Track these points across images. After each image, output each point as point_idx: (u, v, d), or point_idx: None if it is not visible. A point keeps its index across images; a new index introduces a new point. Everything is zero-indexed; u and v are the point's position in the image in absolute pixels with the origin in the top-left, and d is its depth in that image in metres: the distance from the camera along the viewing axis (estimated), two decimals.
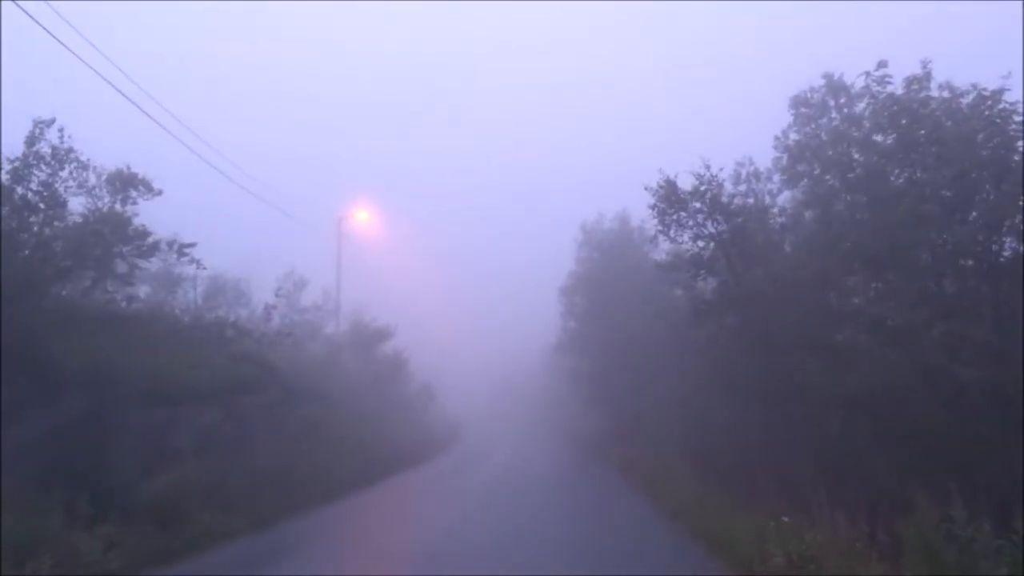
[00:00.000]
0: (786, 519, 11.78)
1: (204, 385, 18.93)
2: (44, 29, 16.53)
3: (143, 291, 35.35)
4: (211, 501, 15.72)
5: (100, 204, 20.32)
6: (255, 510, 16.69)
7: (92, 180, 20.53)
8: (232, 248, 44.59)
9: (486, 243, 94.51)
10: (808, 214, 21.16)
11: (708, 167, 19.40)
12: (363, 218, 47.62)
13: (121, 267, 20.51)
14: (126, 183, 20.67)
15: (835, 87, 25.18)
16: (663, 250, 20.22)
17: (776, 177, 26.30)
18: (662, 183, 19.67)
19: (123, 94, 20.03)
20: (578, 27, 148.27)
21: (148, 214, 20.67)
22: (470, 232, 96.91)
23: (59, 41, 17.10)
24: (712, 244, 19.79)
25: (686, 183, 19.51)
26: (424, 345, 59.75)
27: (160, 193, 21.12)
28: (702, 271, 19.99)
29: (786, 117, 26.42)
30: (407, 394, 45.25)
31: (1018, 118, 16.31)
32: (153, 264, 36.75)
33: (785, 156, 26.20)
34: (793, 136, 26.13)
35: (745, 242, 19.35)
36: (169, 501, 14.42)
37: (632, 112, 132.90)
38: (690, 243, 20.19)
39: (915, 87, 18.34)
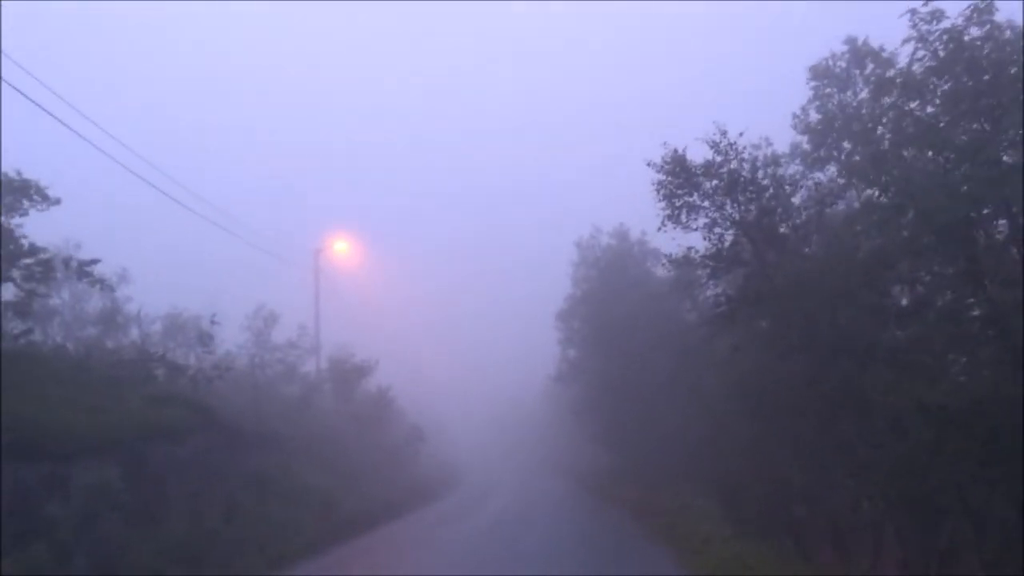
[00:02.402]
0: None
1: (104, 433, 14.98)
2: None
3: (89, 332, 31.92)
4: None
5: None
6: None
7: None
8: (198, 288, 41.31)
9: (478, 272, 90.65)
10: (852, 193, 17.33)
11: (724, 134, 15.65)
12: (341, 249, 43.93)
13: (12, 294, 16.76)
14: (16, 192, 16.93)
15: (860, 53, 21.61)
16: (674, 242, 16.22)
17: (795, 164, 22.60)
18: (668, 158, 15.89)
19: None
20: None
21: (94, 250, 17.33)
22: (461, 262, 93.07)
23: None
24: (733, 229, 15.95)
25: (697, 155, 15.79)
26: (415, 383, 55.79)
27: (58, 202, 17.43)
28: (722, 264, 16.10)
29: (804, 93, 22.92)
30: (393, 437, 41.05)
31: None
32: (94, 302, 33.68)
33: (807, 138, 22.58)
34: (814, 115, 22.56)
35: (776, 224, 15.50)
36: None
37: (628, 116, 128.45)
38: (705, 231, 16.33)
39: (976, 18, 14.65)
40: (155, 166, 21.93)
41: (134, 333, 31.94)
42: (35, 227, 18.81)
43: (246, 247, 35.57)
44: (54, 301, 31.57)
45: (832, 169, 22.00)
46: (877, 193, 15.80)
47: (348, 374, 38.01)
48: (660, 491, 25.16)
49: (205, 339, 20.45)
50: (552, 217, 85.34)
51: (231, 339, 38.86)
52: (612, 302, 36.31)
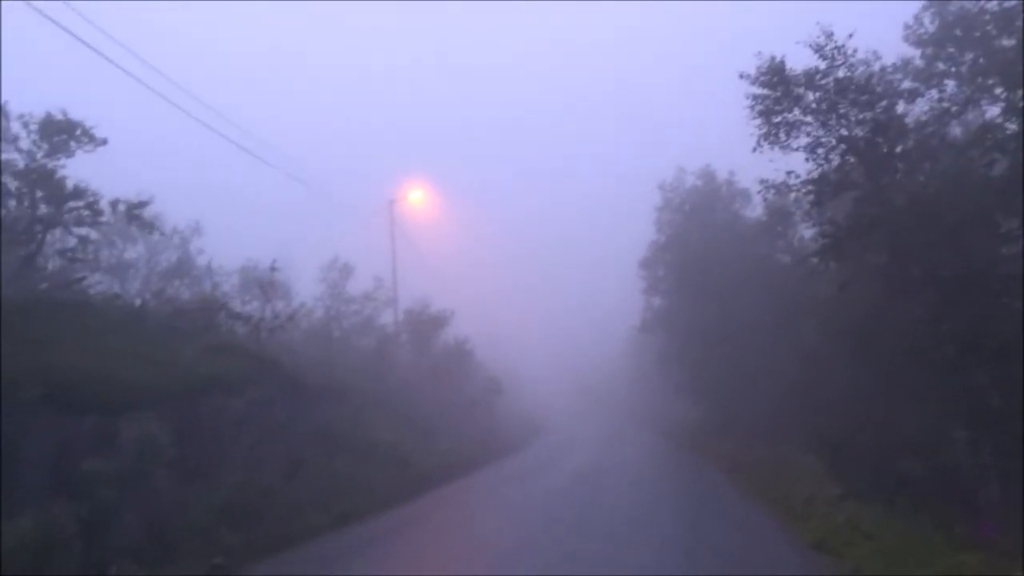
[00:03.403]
0: None
1: (155, 385, 14.08)
2: None
3: (166, 286, 31.66)
4: (120, 549, 10.91)
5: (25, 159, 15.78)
6: (203, 553, 11.77)
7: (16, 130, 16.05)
8: (276, 242, 40.92)
9: (558, 219, 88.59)
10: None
11: (830, 36, 13.43)
12: (417, 199, 42.57)
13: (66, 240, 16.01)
14: (60, 132, 16.05)
15: None
16: (771, 165, 14.09)
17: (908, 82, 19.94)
18: (764, 68, 13.80)
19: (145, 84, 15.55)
20: None
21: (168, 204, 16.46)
22: (540, 208, 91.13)
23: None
24: (841, 148, 13.79)
25: (798, 64, 13.64)
26: (492, 335, 54.70)
27: (104, 142, 16.47)
28: (827, 189, 13.97)
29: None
30: (470, 390, 40.04)
31: None
32: (167, 255, 33.43)
33: (920, 53, 19.88)
34: (929, 25, 19.83)
35: (893, 141, 13.28)
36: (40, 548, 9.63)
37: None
38: (807, 152, 14.21)
39: None
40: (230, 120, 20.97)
41: (208, 286, 31.65)
42: (106, 180, 18.15)
43: (322, 199, 34.95)
44: (129, 255, 31.52)
45: (951, 85, 19.35)
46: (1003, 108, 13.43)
47: (424, 326, 37.03)
48: (752, 444, 23.26)
49: (266, 288, 19.42)
50: (635, 160, 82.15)
51: (307, 291, 38.58)
52: (699, 246, 34.15)
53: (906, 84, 19.21)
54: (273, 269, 19.53)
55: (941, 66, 19.58)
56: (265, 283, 19.43)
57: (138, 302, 18.39)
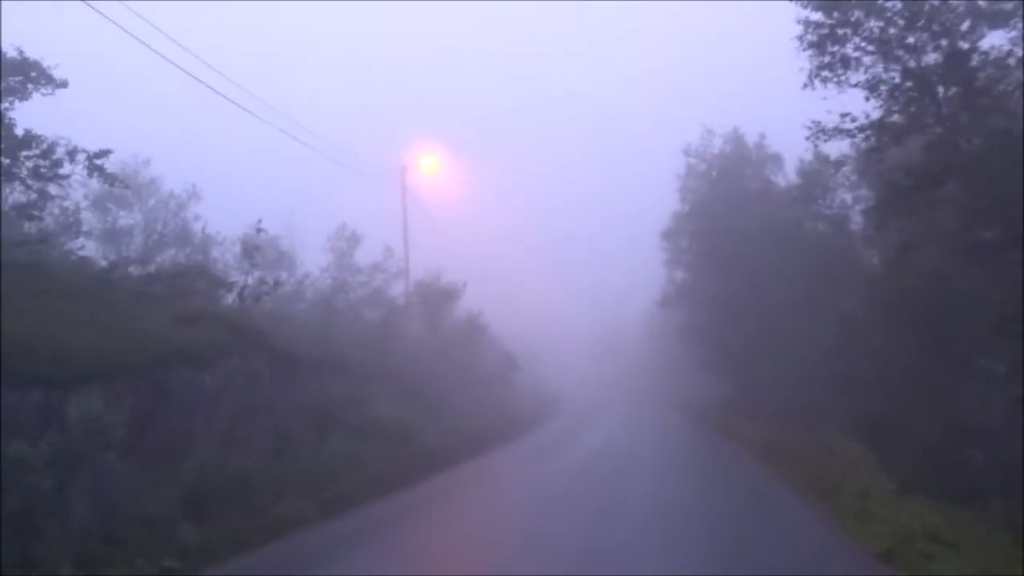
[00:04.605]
0: None
1: (116, 356, 12.33)
2: None
3: (165, 254, 30.07)
4: (57, 547, 9.23)
5: None
6: (157, 552, 10.07)
7: None
8: (280, 209, 39.38)
9: (577, 187, 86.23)
10: None
11: None
12: (430, 167, 40.61)
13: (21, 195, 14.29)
14: (16, 72, 14.25)
15: None
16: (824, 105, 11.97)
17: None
18: None
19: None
20: None
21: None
22: (558, 182, 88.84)
23: None
24: (911, 83, 11.69)
25: None
26: (509, 309, 52.91)
27: (64, 85, 14.68)
28: (892, 132, 11.88)
29: None
30: (485, 365, 38.29)
31: None
32: (167, 222, 31.79)
33: None
34: None
35: (973, 73, 11.18)
36: None
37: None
38: (867, 90, 12.13)
39: None
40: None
41: (207, 255, 30.05)
42: (99, 135, 16.52)
43: (329, 165, 33.17)
44: (124, 221, 29.95)
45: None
46: None
47: (434, 298, 35.21)
48: (789, 428, 21.28)
49: (251, 251, 17.64)
50: (657, 128, 79.43)
51: (312, 261, 36.95)
52: (727, 214, 32.04)
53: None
54: (259, 230, 17.71)
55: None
56: (250, 246, 17.63)
57: (104, 264, 16.62)
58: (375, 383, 24.39)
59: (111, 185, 16.77)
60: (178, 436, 12.64)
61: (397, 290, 37.55)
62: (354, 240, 36.96)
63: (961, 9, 11.44)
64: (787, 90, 15.85)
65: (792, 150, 27.77)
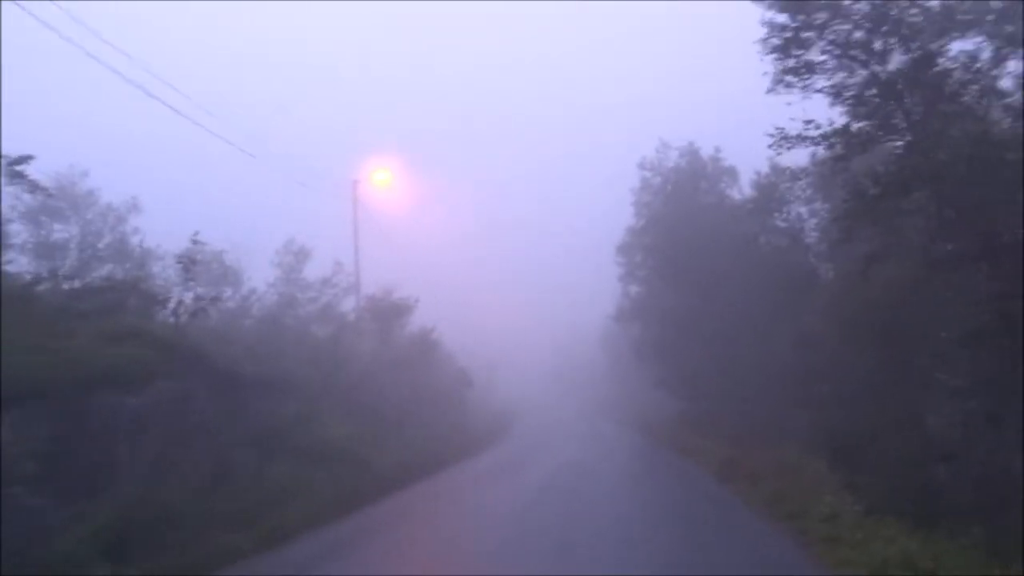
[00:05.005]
0: None
1: (33, 378, 11.29)
2: None
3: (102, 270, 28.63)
4: None
5: None
6: None
7: None
8: (225, 222, 38.14)
9: (534, 202, 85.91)
10: None
11: None
12: (382, 180, 39.64)
13: None
14: None
15: None
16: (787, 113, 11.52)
17: None
18: None
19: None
20: None
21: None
22: (513, 197, 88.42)
23: None
24: (876, 90, 11.30)
25: None
26: (463, 326, 52.06)
27: None
28: (858, 138, 11.46)
29: None
30: (438, 382, 37.40)
31: None
32: (104, 235, 30.33)
33: None
34: None
35: (944, 77, 10.80)
36: None
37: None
38: (832, 96, 11.73)
39: None
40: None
41: (153, 269, 28.72)
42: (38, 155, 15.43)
43: (280, 180, 32.27)
44: (60, 235, 28.49)
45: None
46: None
47: (386, 313, 34.24)
48: (746, 446, 20.84)
49: (187, 264, 16.54)
50: (613, 143, 79.33)
51: (260, 277, 35.73)
52: (681, 228, 31.72)
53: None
54: (195, 242, 16.66)
55: None
56: (186, 259, 16.56)
57: (28, 278, 15.44)
58: (324, 402, 23.42)
59: (32, 193, 15.62)
60: (99, 466, 11.62)
61: (348, 306, 36.50)
62: (303, 255, 35.90)
63: (932, 11, 11.06)
64: (748, 99, 15.52)
65: (749, 163, 27.67)
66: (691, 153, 35.06)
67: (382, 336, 34.45)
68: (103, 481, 11.48)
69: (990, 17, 10.81)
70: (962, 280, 11.49)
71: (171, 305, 16.13)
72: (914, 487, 13.47)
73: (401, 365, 33.32)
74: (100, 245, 28.42)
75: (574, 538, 12.42)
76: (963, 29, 11.16)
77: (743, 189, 31.77)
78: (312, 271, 36.52)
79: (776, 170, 23.35)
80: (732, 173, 33.22)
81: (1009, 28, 11.50)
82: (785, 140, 12.20)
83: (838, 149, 11.76)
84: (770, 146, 12.20)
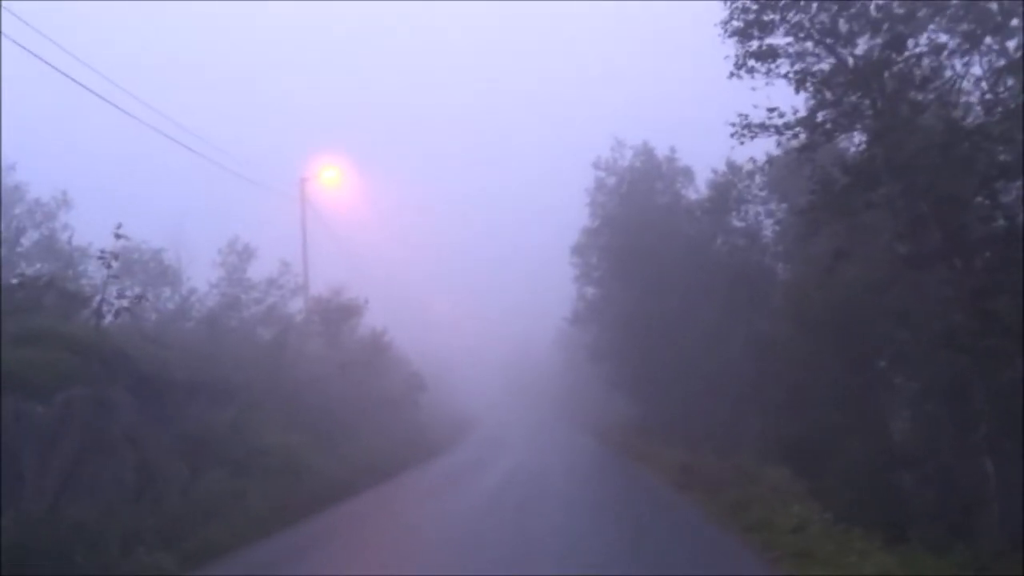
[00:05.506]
0: None
1: None
2: None
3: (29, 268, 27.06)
4: None
5: None
6: None
7: None
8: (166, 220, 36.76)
9: (486, 206, 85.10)
10: None
11: None
12: (332, 179, 38.52)
13: None
14: None
15: None
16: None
17: None
18: None
19: None
20: None
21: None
22: (470, 195, 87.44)
23: None
24: (841, 78, 10.73)
25: None
26: (417, 328, 51.11)
27: None
28: (824, 128, 10.88)
29: None
30: (390, 387, 36.32)
31: None
32: (31, 234, 28.75)
33: None
34: None
35: (913, 65, 10.26)
36: None
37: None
38: (796, 83, 11.14)
39: None
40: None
41: (89, 269, 27.21)
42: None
43: (226, 179, 30.81)
44: None
45: None
46: None
47: (334, 314, 33.10)
48: (704, 452, 20.25)
49: (108, 260, 15.29)
50: (570, 142, 78.96)
51: (202, 277, 34.30)
52: (636, 229, 31.21)
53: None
54: (118, 236, 15.41)
55: None
56: (108, 255, 15.29)
57: None
58: (265, 408, 22.24)
59: None
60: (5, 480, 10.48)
61: (295, 307, 35.29)
62: (247, 254, 34.42)
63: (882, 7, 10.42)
64: (705, 99, 14.99)
65: (705, 162, 27.27)
66: (646, 153, 34.66)
67: (330, 338, 33.33)
68: (5, 497, 10.34)
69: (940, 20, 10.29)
70: (930, 279, 10.95)
71: (93, 305, 14.90)
72: (880, 495, 12.99)
73: (350, 368, 32.22)
74: (25, 241, 26.92)
75: (527, 553, 11.59)
76: (922, 27, 10.58)
77: (699, 189, 31.48)
78: (259, 271, 35.26)
79: (733, 168, 22.91)
80: (688, 173, 32.89)
81: (964, 27, 11.08)
82: (748, 128, 11.58)
83: (803, 139, 11.17)
84: (732, 135, 11.57)
